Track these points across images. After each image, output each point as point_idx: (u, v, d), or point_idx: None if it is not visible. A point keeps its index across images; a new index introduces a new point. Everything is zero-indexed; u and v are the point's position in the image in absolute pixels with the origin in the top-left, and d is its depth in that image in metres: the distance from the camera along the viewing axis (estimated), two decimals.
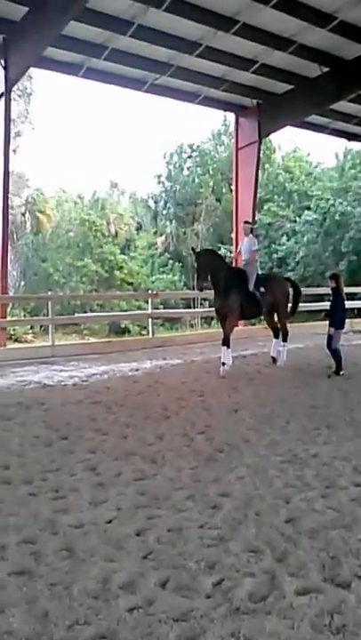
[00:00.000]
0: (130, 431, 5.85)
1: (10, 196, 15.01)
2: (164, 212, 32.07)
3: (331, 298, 9.39)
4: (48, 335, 13.28)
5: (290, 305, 10.49)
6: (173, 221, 31.11)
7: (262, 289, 9.73)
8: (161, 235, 31.32)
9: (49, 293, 15.28)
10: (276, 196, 28.89)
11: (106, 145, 50.81)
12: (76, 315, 19.31)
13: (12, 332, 19.27)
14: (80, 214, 29.37)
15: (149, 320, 14.68)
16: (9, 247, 15.77)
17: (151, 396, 7.71)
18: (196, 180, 31.05)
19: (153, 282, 28.05)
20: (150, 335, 14.46)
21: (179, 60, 14.06)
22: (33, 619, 2.61)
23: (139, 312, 19.33)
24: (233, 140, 19.22)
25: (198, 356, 11.76)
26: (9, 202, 14.18)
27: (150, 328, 14.53)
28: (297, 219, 27.83)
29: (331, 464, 4.76)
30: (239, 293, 9.45)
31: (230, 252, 23.36)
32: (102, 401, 7.39)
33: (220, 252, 11.14)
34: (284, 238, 27.67)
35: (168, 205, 31.86)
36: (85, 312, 23.11)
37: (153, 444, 5.38)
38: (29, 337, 21.67)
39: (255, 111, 16.93)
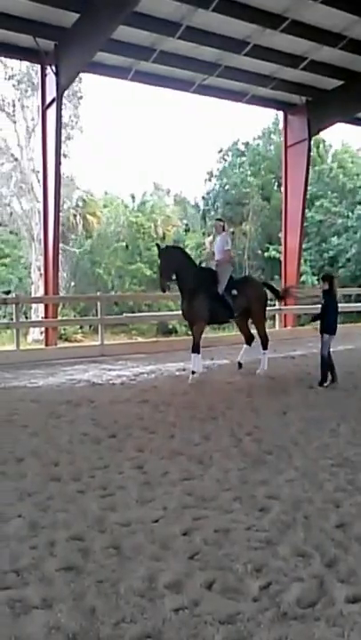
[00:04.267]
0: (177, 431, 5.85)
1: (61, 198, 15.30)
2: (213, 212, 32.00)
3: (322, 301, 8.56)
4: (97, 335, 13.47)
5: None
6: None
7: (234, 292, 9.06)
8: (209, 235, 31.25)
9: (98, 294, 15.49)
10: (329, 192, 28.33)
11: (153, 146, 51.17)
12: (125, 315, 19.49)
13: (62, 332, 19.68)
14: (128, 217, 29.67)
15: None
16: (60, 249, 16.09)
17: (198, 396, 7.70)
18: (246, 179, 30.83)
19: None
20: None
21: (227, 60, 14.01)
22: (80, 615, 2.63)
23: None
24: (282, 139, 18.99)
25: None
26: (60, 204, 14.47)
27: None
28: (349, 214, 27.25)
29: None
30: (207, 296, 8.77)
31: (279, 252, 23.07)
32: (149, 400, 7.44)
33: (187, 251, 10.18)
34: (335, 237, 27.15)
35: (217, 205, 31.77)
36: (133, 312, 23.33)
37: (200, 445, 5.36)
38: (79, 336, 22.07)
39: (304, 108, 16.67)
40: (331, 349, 8.35)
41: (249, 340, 9.82)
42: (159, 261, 8.87)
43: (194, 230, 32.45)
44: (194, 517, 3.70)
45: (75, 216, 27.50)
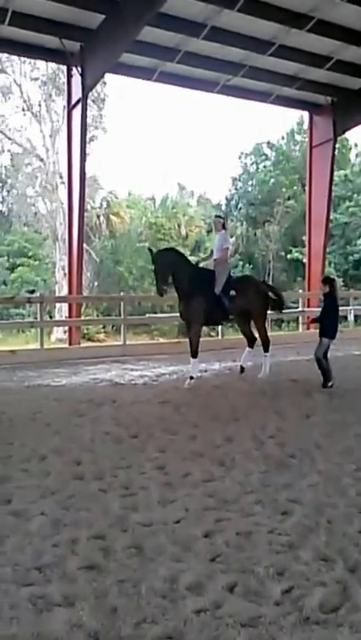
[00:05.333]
0: (198, 432, 5.84)
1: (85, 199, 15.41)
2: (235, 213, 31.92)
3: (322, 304, 8.33)
4: (119, 335, 13.53)
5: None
6: (244, 222, 30.89)
7: (233, 292, 8.73)
8: (231, 236, 31.15)
9: (121, 294, 15.57)
10: (355, 195, 28.03)
11: (176, 147, 51.22)
12: (147, 315, 19.56)
13: (85, 332, 19.83)
14: (149, 218, 29.78)
15: None
16: (84, 249, 16.22)
17: (220, 398, 7.68)
18: (270, 181, 30.69)
19: None
20: (219, 337, 14.39)
21: (251, 60, 13.98)
22: (102, 614, 2.64)
23: None
24: (307, 139, 18.87)
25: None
26: (84, 205, 14.59)
27: (220, 330, 14.46)
28: None
29: None
30: (203, 297, 8.51)
31: (303, 255, 22.90)
32: (171, 401, 7.44)
33: (182, 252, 9.71)
34: None
35: (239, 206, 31.68)
36: (155, 313, 23.38)
37: (221, 446, 5.34)
38: (101, 336, 22.21)
39: (330, 109, 16.56)
40: (328, 353, 8.21)
41: (251, 342, 9.58)
42: (154, 266, 8.62)
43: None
44: (215, 519, 3.68)
45: (98, 217, 27.66)
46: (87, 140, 17.02)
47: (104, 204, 28.58)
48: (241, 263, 29.66)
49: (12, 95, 24.99)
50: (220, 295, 8.66)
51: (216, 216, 9.99)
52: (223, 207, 33.25)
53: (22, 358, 11.36)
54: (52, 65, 21.33)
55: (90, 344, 18.46)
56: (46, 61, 19.12)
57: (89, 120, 22.15)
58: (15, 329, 21.17)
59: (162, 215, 30.27)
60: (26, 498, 4.05)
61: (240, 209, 31.68)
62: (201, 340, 9.04)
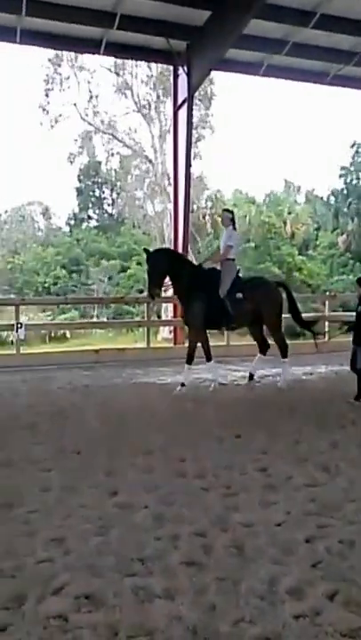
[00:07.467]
0: (302, 436, 5.73)
1: (191, 199, 15.62)
2: (345, 208, 30.73)
3: (358, 308, 7.44)
4: (223, 335, 13.55)
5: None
6: (355, 218, 29.64)
7: (240, 295, 8.05)
8: (342, 233, 30.05)
9: None
10: None
11: (283, 142, 50.26)
12: None
13: None
14: (258, 216, 29.47)
15: (326, 323, 14.14)
16: (189, 250, 16.46)
17: (325, 403, 7.45)
18: None
19: (333, 283, 27.01)
20: (326, 339, 13.94)
21: None
22: (201, 609, 2.69)
23: (314, 314, 18.68)
24: None
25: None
26: (190, 205, 14.78)
27: (326, 331, 14.00)
28: None
29: None
30: (205, 299, 7.93)
31: None
32: (274, 403, 7.36)
33: (180, 252, 8.68)
34: None
35: (350, 201, 30.44)
36: None
37: (326, 453, 5.20)
38: None
39: None
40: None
41: (263, 348, 8.91)
42: (147, 266, 8.13)
43: (325, 229, 31.39)
44: (317, 525, 3.61)
45: (204, 217, 27.85)
46: (194, 140, 17.23)
47: (210, 204, 28.72)
48: (352, 262, 28.54)
49: (122, 97, 25.73)
50: (224, 298, 8.05)
51: (224, 210, 9.39)
52: (332, 202, 32.16)
53: (130, 356, 11.79)
54: (162, 65, 21.56)
55: None
56: (155, 62, 19.39)
57: (195, 120, 22.40)
58: (125, 328, 21.96)
59: (273, 214, 29.77)
60: (131, 491, 4.21)
61: (350, 204, 30.45)
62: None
